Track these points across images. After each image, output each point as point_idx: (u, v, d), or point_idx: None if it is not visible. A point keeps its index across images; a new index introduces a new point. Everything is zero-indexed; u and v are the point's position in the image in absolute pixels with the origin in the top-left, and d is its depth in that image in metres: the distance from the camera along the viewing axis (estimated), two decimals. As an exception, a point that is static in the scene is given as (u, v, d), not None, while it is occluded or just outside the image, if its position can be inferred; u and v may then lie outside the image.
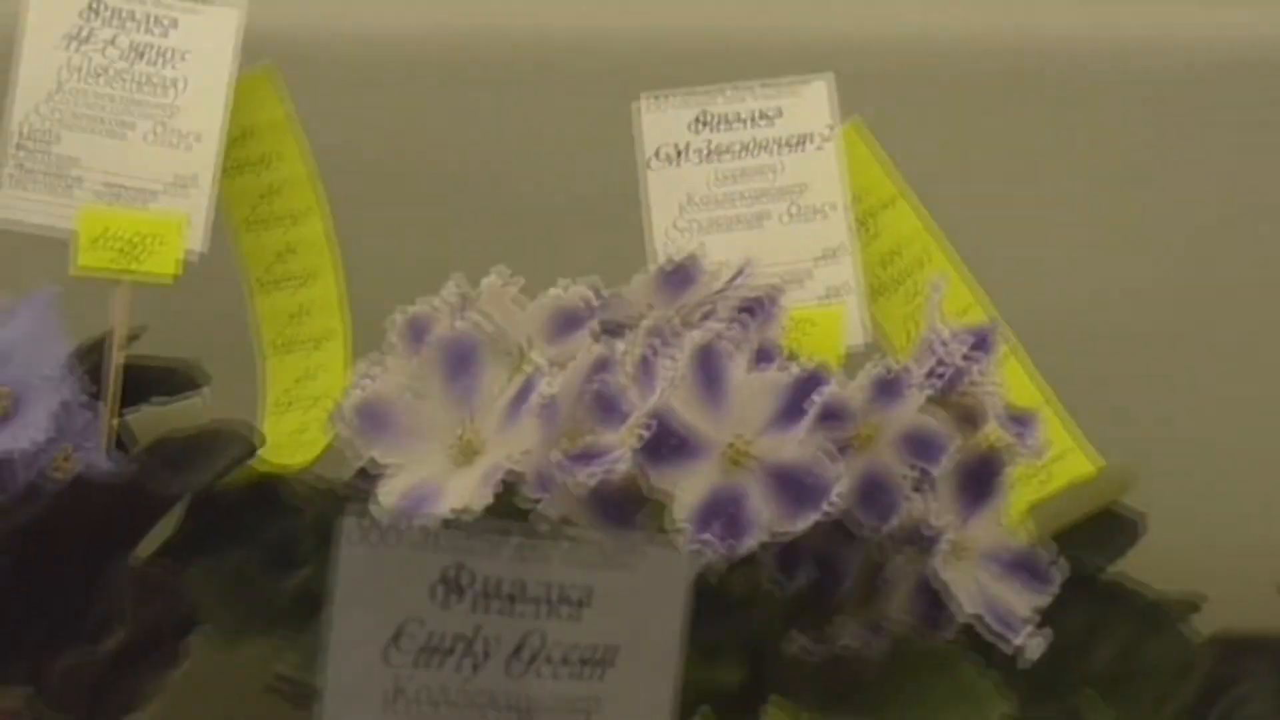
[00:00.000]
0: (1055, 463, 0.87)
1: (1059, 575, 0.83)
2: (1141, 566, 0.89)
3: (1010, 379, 0.85)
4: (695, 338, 0.79)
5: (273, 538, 0.89)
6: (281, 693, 0.84)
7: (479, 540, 0.48)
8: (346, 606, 0.47)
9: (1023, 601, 0.82)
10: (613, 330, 0.85)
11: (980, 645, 0.80)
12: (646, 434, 0.78)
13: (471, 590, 0.48)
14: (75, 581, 0.84)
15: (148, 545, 0.89)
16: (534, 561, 0.49)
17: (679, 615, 0.51)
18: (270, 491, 0.92)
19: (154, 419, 0.88)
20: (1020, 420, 0.82)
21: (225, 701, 0.95)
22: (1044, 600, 0.82)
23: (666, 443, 0.78)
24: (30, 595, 0.83)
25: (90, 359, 0.90)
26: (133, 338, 0.92)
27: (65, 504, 0.82)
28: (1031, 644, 0.80)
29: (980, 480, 0.82)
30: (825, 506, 0.78)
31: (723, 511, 0.78)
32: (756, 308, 0.85)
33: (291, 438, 0.91)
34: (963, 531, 0.81)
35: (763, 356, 0.82)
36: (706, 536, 0.78)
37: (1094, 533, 0.89)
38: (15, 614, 0.83)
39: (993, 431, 0.83)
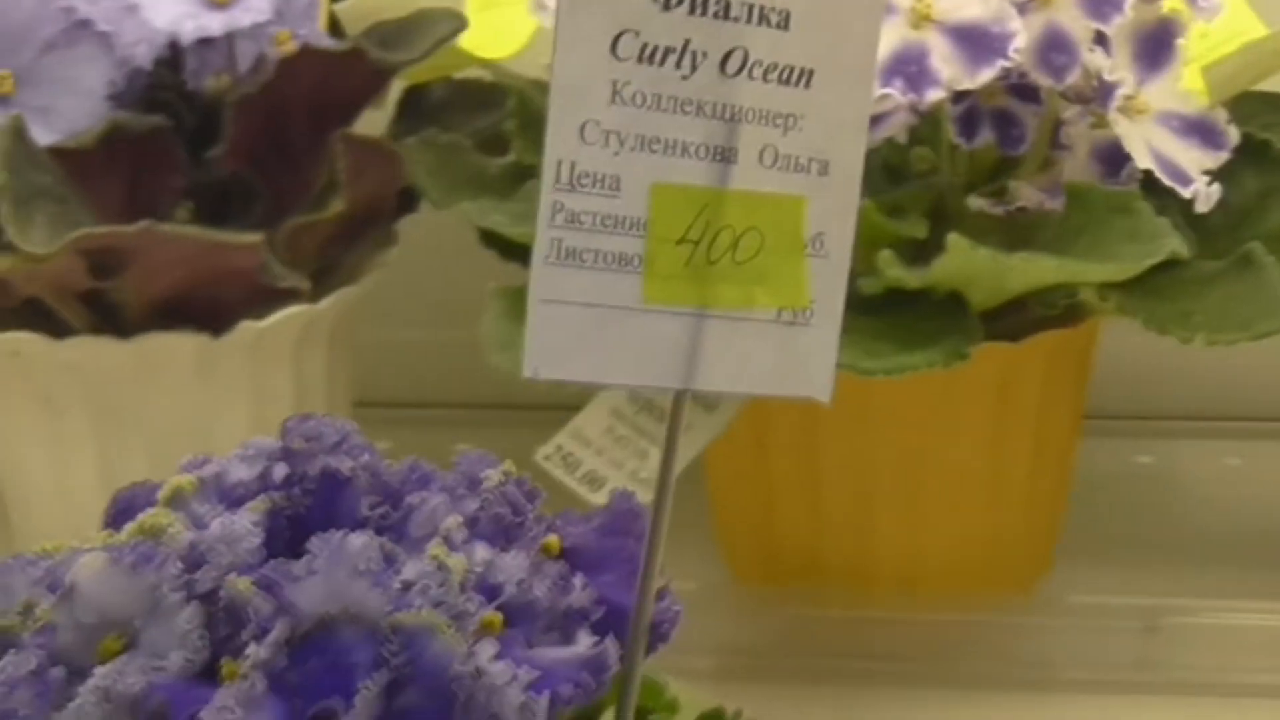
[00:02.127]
0: (1230, 38, 0.90)
1: (1233, 139, 0.87)
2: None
3: (1185, -44, 0.88)
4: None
5: (481, 128, 0.95)
6: (493, 247, 0.91)
7: (691, -47, 0.53)
8: (570, 10, 0.53)
9: (1196, 161, 0.86)
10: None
11: (1156, 205, 0.84)
12: (834, -6, 0.82)
13: (682, 3, 0.53)
14: (299, 152, 0.90)
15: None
16: (740, -23, 0.53)
17: (874, 37, 0.56)
18: (477, 86, 0.97)
19: (366, 13, 0.94)
20: (1195, -15, 0.86)
21: (438, 267, 1.02)
22: (1217, 161, 0.86)
23: (853, 3, 0.82)
24: (260, 165, 0.89)
25: (305, -41, 0.95)
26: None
27: (289, 76, 0.88)
28: (1204, 193, 0.84)
29: (1156, 45, 0.86)
30: (1003, 60, 0.82)
31: (907, 67, 0.83)
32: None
33: (495, 31, 0.96)
34: (1139, 93, 0.85)
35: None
36: (891, 90, 0.83)
37: (1271, 110, 0.92)
38: (246, 182, 0.90)
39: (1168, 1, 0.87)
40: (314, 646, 0.50)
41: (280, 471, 0.55)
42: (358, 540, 0.50)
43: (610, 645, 0.52)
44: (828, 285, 0.56)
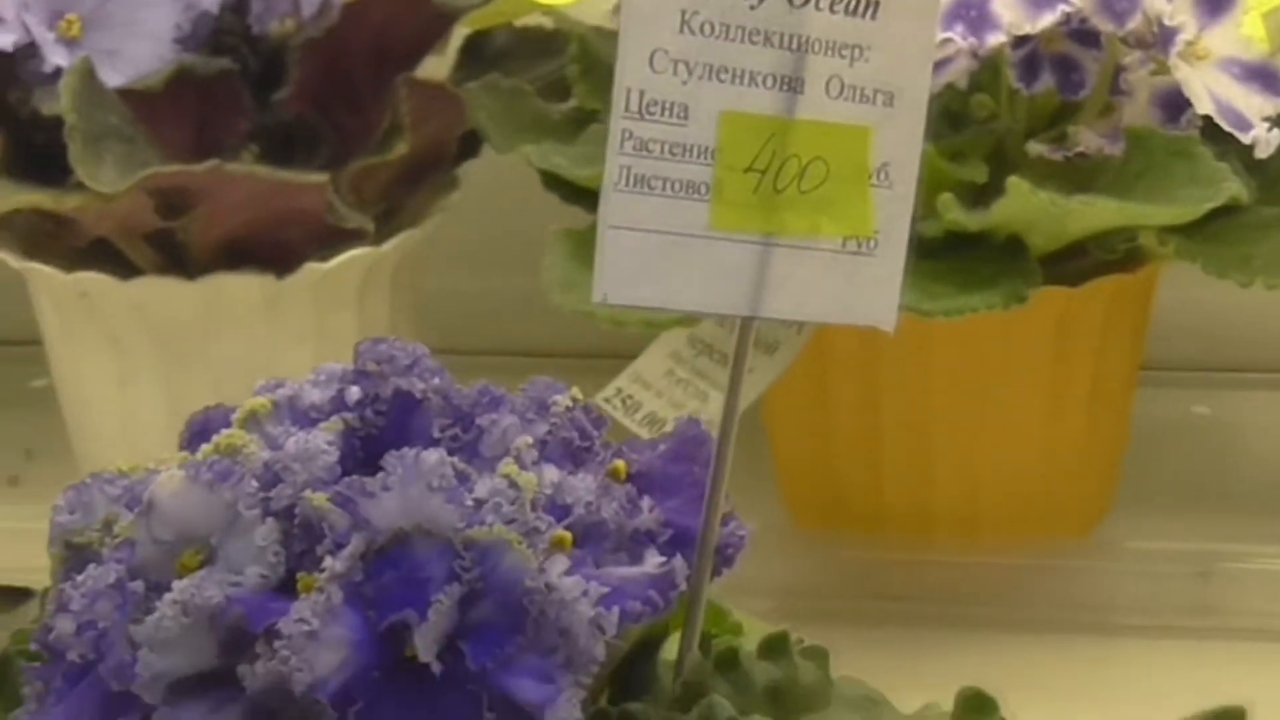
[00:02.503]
0: (1293, -19, 0.90)
1: (1294, 84, 0.87)
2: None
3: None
4: None
5: (542, 75, 0.96)
6: (555, 190, 0.91)
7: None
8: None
9: (1256, 107, 0.86)
10: None
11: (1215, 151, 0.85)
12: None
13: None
14: (363, 95, 0.91)
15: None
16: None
17: (939, -31, 0.57)
18: (538, 33, 0.98)
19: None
20: (1258, -71, 0.86)
21: (500, 213, 1.03)
22: (1278, 108, 0.86)
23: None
24: (324, 108, 0.91)
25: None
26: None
27: (353, 20, 0.89)
28: (1264, 139, 0.84)
29: (1217, -10, 0.87)
30: (1064, 6, 0.83)
31: (968, 12, 0.84)
32: None
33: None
34: (1199, 38, 0.85)
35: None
36: (952, 35, 0.83)
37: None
38: (311, 125, 0.91)
39: (1230, -52, 0.87)
40: (389, 561, 0.51)
41: (353, 394, 0.56)
42: (432, 456, 0.52)
43: (678, 564, 0.54)
44: (893, 215, 0.57)
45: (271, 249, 0.90)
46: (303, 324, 0.91)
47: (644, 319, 0.83)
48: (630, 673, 0.58)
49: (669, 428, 0.89)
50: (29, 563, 0.74)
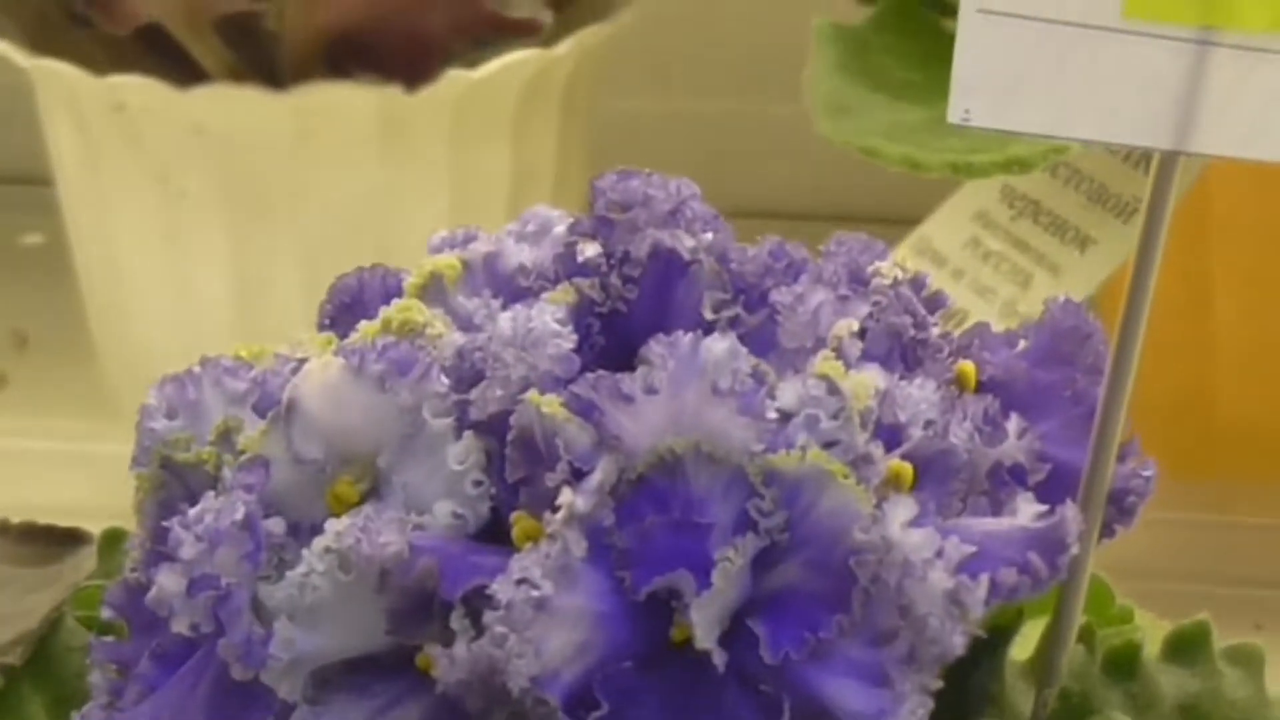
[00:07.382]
0: None
1: None
2: None
3: None
4: None
5: None
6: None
7: None
8: None
9: None
10: None
11: None
12: None
13: None
14: None
15: None
16: None
17: None
18: None
19: None
20: None
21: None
22: None
23: None
24: None
25: None
26: None
27: None
28: None
29: None
30: None
31: None
32: None
33: None
34: None
35: None
36: None
37: None
38: None
39: None
40: (652, 497, 0.50)
41: (588, 251, 0.55)
42: (718, 346, 0.50)
43: (1071, 514, 0.52)
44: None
45: (397, 48, 0.89)
46: (436, 156, 0.91)
47: (952, 162, 0.82)
48: (963, 677, 0.57)
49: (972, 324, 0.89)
50: (30, 499, 0.74)
